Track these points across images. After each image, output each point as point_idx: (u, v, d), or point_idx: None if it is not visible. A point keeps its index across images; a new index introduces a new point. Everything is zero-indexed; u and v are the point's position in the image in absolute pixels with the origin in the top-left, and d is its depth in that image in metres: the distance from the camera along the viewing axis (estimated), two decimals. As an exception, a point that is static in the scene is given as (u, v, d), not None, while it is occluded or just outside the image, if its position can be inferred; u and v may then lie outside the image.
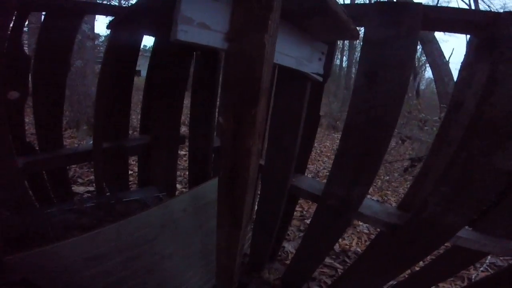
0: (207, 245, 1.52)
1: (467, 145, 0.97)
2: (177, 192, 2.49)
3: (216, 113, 2.00)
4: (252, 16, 0.63)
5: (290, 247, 2.47)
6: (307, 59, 1.11)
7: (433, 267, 1.43)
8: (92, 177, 3.14)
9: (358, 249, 2.60)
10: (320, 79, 1.28)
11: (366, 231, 2.94)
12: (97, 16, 4.80)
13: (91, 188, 2.88)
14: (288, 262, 2.21)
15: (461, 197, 1.05)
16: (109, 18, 1.50)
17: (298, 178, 1.61)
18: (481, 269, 2.29)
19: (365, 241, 2.77)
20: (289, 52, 0.97)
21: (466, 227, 1.24)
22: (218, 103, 2.00)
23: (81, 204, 1.50)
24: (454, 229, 1.14)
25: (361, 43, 1.15)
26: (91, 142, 1.74)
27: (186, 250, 1.44)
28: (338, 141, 7.81)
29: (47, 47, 1.46)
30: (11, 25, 1.30)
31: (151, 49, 1.79)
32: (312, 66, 1.17)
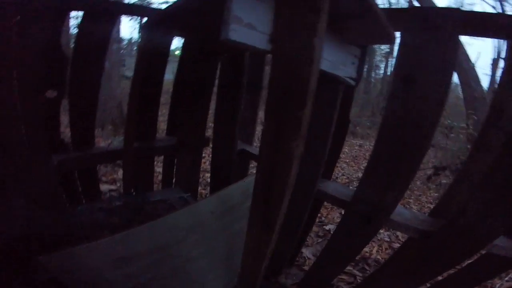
0: (230, 247, 1.51)
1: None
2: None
3: (240, 117, 2.00)
4: (298, 18, 0.62)
5: (308, 252, 2.42)
6: (342, 62, 1.10)
7: (461, 275, 1.36)
8: (115, 175, 3.23)
9: (379, 257, 2.51)
10: (353, 83, 1.26)
11: (387, 239, 2.85)
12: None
13: (114, 187, 2.96)
14: (305, 267, 2.17)
15: (503, 203, 1.00)
16: (132, 22, 1.52)
17: (324, 183, 1.58)
18: (506, 279, 2.18)
19: (386, 249, 2.68)
20: (326, 56, 0.96)
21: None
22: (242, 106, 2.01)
23: (110, 203, 1.53)
24: (492, 236, 1.09)
25: (394, 48, 1.14)
26: (116, 142, 1.77)
27: (211, 252, 1.43)
28: (356, 147, 7.64)
29: (84, 47, 1.51)
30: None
31: (171, 54, 1.80)
32: (346, 70, 1.15)
